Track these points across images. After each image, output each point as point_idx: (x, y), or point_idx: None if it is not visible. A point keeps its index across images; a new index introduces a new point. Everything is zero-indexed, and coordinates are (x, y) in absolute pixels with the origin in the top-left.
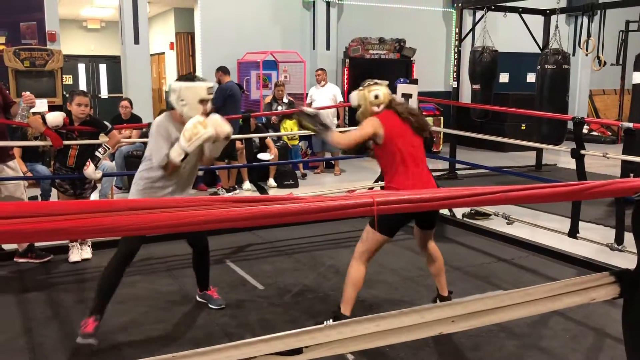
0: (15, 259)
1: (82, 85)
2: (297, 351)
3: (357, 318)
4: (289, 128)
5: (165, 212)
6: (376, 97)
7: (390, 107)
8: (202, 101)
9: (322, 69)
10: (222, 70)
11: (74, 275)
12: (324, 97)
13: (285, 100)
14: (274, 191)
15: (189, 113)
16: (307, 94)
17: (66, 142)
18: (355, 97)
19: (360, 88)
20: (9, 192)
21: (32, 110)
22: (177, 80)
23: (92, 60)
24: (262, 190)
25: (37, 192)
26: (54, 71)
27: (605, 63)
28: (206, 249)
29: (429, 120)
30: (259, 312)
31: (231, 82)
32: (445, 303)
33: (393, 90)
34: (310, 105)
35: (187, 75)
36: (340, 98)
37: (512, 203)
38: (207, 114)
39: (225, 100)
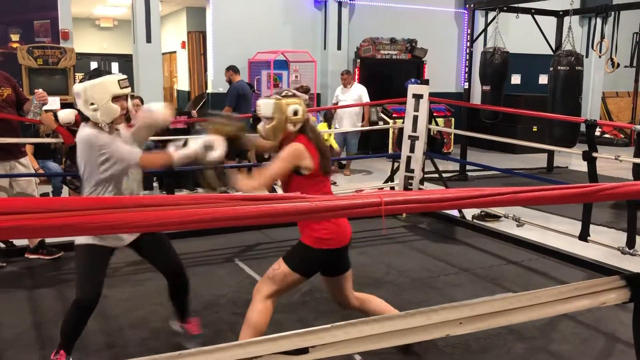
0: (26, 255)
1: None
2: (303, 351)
3: (363, 319)
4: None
5: (173, 210)
6: (295, 113)
7: (304, 131)
8: (117, 98)
9: (347, 71)
10: (232, 70)
11: None
12: (350, 98)
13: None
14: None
15: (104, 118)
16: (318, 94)
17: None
18: (268, 106)
19: (277, 97)
20: (21, 189)
21: (45, 107)
22: (79, 82)
23: (105, 59)
24: (272, 189)
25: (48, 189)
26: (66, 69)
27: (618, 65)
28: (180, 277)
29: (440, 121)
30: None
31: (242, 81)
32: (453, 304)
33: (404, 91)
34: (336, 104)
35: (92, 72)
36: (366, 98)
37: (522, 204)
38: (126, 114)
39: (238, 99)
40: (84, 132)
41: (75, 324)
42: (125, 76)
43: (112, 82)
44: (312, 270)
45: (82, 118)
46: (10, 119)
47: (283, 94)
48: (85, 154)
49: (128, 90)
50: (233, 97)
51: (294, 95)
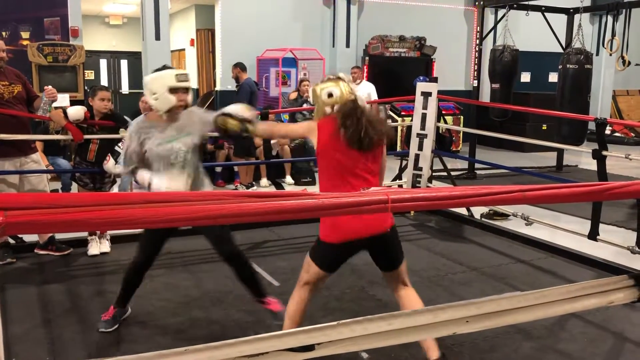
0: (36, 251)
1: (104, 81)
2: (309, 348)
3: (370, 316)
4: None
5: (180, 206)
6: (329, 95)
7: (337, 112)
8: (174, 90)
9: (357, 67)
10: (240, 67)
11: (92, 268)
12: (359, 95)
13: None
14: (290, 188)
15: (161, 106)
16: None
17: (87, 137)
18: (310, 93)
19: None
20: (32, 186)
21: (54, 104)
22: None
23: (114, 56)
24: (279, 186)
25: (57, 185)
26: (76, 66)
27: (629, 63)
28: (235, 256)
29: (449, 119)
30: None
31: (249, 78)
32: (459, 303)
33: (412, 89)
34: None
35: (161, 67)
36: (375, 97)
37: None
38: (184, 106)
39: (250, 97)
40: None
41: (133, 276)
42: (184, 71)
43: (169, 75)
44: (324, 263)
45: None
46: (21, 116)
47: (325, 79)
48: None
49: (185, 84)
50: (247, 94)
51: (330, 80)
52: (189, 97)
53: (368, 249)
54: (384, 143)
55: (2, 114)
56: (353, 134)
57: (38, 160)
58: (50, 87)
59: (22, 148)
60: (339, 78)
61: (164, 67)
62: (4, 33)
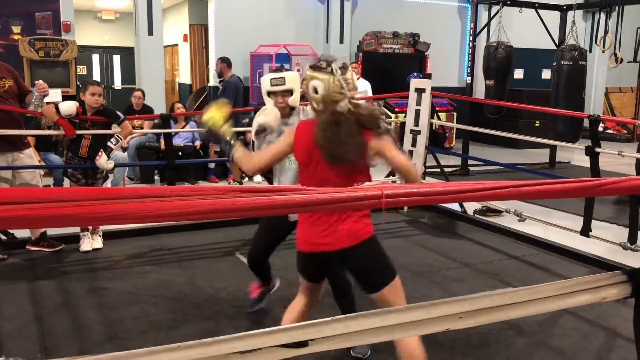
0: (27, 247)
1: (96, 76)
2: (303, 344)
3: (363, 312)
4: None
5: (172, 201)
6: (314, 90)
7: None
8: (272, 93)
9: (354, 62)
10: (227, 63)
11: (84, 264)
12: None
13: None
14: None
15: (267, 104)
16: None
17: (79, 132)
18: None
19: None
20: (24, 181)
21: (46, 99)
22: None
23: (106, 51)
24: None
25: (49, 181)
26: (68, 61)
27: (622, 60)
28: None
29: (442, 115)
30: (268, 305)
31: (235, 76)
32: (452, 299)
33: (406, 85)
34: None
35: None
36: (370, 94)
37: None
38: (289, 107)
39: (237, 95)
40: None
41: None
42: (278, 75)
43: (266, 80)
44: (299, 269)
45: None
46: (12, 111)
47: (319, 63)
48: None
49: (278, 87)
50: (233, 93)
51: (321, 69)
52: (290, 99)
53: (335, 263)
54: (365, 156)
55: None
56: (326, 147)
57: (31, 155)
58: (41, 81)
59: (16, 143)
60: (330, 67)
61: (279, 68)
62: None
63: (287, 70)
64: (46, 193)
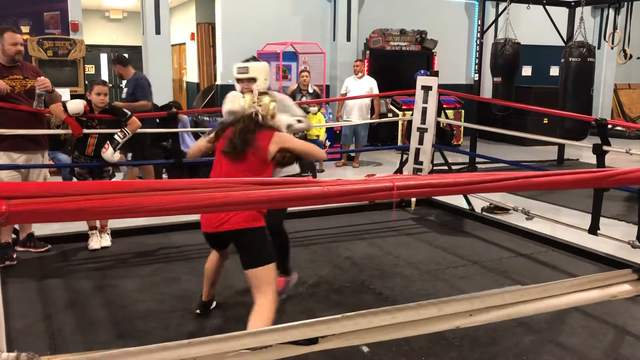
0: (16, 248)
1: (104, 75)
2: (313, 341)
3: (373, 309)
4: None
5: (184, 194)
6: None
7: None
8: (237, 80)
9: (360, 60)
10: (122, 63)
11: (93, 262)
12: (360, 88)
13: (310, 90)
14: None
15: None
16: (327, 86)
17: (86, 131)
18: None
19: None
20: (33, 180)
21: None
22: None
23: (114, 50)
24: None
25: (58, 180)
26: (76, 61)
27: (631, 56)
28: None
29: (449, 113)
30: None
31: (138, 72)
32: (463, 296)
33: (413, 83)
34: (345, 95)
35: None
36: (376, 91)
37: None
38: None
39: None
40: None
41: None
42: (243, 64)
43: (234, 68)
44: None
45: None
46: (35, 111)
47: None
48: None
49: (243, 75)
50: (142, 89)
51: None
52: (254, 85)
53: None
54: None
55: (10, 109)
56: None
57: (45, 156)
58: (42, 77)
59: (41, 143)
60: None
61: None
62: None
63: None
64: (59, 187)
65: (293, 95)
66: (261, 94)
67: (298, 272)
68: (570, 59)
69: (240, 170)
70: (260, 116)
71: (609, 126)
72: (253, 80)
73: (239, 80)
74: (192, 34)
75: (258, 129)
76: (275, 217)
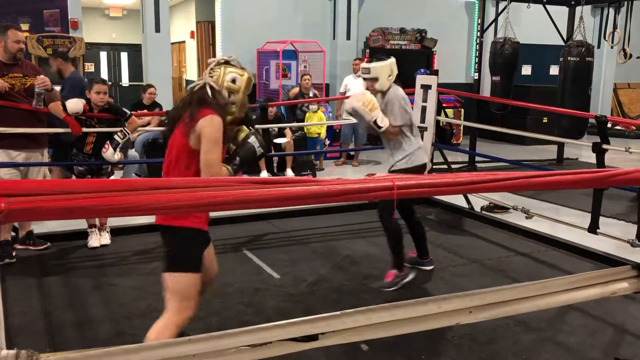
0: (15, 246)
1: (104, 73)
2: (313, 337)
3: (373, 306)
4: (314, 120)
5: (185, 192)
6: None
7: None
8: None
9: (360, 59)
10: (63, 57)
11: (92, 260)
12: (360, 87)
13: (310, 94)
14: None
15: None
16: (327, 85)
17: (85, 130)
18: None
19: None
20: (32, 178)
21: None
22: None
23: (114, 48)
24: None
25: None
26: (76, 58)
27: (631, 56)
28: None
29: (449, 111)
30: (274, 300)
31: (77, 72)
32: (463, 293)
33: (413, 81)
34: (344, 94)
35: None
36: None
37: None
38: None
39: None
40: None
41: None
42: (366, 65)
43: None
44: None
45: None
46: (35, 110)
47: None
48: None
49: (366, 75)
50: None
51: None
52: (377, 85)
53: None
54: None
55: (9, 107)
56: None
57: (45, 155)
58: (41, 76)
59: (41, 141)
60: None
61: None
62: None
63: (380, 60)
64: (59, 185)
65: (296, 99)
66: (220, 64)
67: (298, 270)
68: (568, 58)
69: (174, 147)
70: (209, 90)
71: (609, 125)
72: (375, 79)
73: (364, 79)
74: (192, 32)
75: (202, 105)
76: (404, 204)
